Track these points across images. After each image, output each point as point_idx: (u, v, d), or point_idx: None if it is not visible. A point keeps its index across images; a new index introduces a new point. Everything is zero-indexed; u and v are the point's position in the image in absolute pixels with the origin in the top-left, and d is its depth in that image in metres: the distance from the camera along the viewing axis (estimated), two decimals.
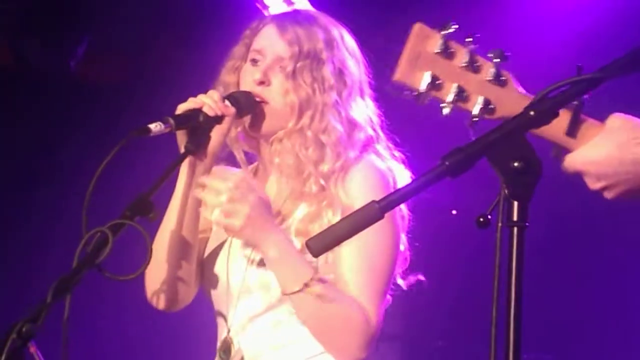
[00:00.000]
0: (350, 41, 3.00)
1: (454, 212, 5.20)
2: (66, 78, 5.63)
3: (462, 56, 2.04)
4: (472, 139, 1.96)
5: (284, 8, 5.32)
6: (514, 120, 1.96)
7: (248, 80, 2.94)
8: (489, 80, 2.05)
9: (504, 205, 1.94)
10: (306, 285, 2.76)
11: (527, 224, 1.93)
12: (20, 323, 2.37)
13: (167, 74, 5.53)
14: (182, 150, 2.86)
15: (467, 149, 1.94)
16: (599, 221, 5.41)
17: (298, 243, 2.84)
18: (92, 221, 2.61)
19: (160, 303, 2.96)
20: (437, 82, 2.03)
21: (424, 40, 2.03)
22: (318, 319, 2.80)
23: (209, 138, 2.87)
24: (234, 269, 2.92)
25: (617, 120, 2.06)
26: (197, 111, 2.84)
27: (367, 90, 3.00)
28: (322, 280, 2.79)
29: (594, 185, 2.07)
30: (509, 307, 1.91)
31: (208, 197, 2.77)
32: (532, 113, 1.95)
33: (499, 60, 2.05)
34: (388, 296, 2.96)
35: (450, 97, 2.04)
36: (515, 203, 1.94)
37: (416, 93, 2.05)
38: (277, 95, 2.92)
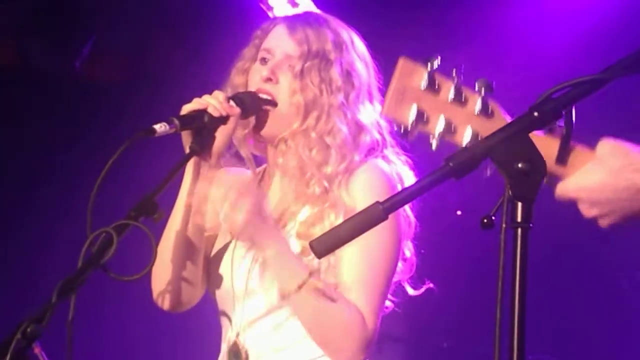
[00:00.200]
0: (360, 45, 2.99)
1: (458, 212, 5.20)
2: (71, 78, 5.63)
3: (448, 89, 2.04)
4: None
5: (288, 9, 5.33)
6: (518, 122, 1.96)
7: (256, 78, 2.94)
8: (477, 113, 2.05)
9: (508, 206, 1.94)
10: (302, 285, 2.75)
11: (531, 225, 1.93)
12: (25, 323, 2.37)
13: (171, 74, 5.54)
14: (187, 150, 2.86)
15: (471, 150, 1.94)
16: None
17: (299, 246, 2.84)
18: (97, 221, 2.61)
19: (166, 303, 2.97)
20: (424, 116, 2.04)
21: (409, 75, 2.04)
22: (314, 320, 2.80)
23: (213, 138, 2.87)
24: (238, 270, 2.92)
25: (607, 146, 2.05)
26: (202, 112, 2.84)
27: (377, 95, 2.99)
28: (318, 282, 2.79)
29: (588, 212, 2.06)
30: (513, 308, 1.91)
31: (206, 206, 2.78)
32: (536, 114, 1.95)
33: (485, 90, 2.05)
34: (389, 301, 2.96)
35: (438, 131, 2.04)
36: (520, 204, 1.94)
37: (404, 128, 2.05)
38: (284, 94, 2.91)
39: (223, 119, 2.86)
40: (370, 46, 3.05)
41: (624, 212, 2.05)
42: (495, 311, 1.90)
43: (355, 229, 1.98)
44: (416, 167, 2.98)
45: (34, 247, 5.69)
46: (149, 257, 2.62)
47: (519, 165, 1.93)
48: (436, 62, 2.03)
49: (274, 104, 2.92)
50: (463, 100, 2.04)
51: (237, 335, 2.90)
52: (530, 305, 1.92)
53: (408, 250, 2.96)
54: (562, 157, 2.05)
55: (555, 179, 2.07)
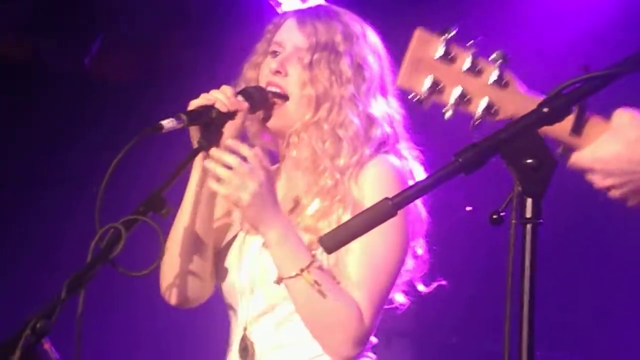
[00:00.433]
0: (373, 38, 2.98)
1: (468, 208, 5.20)
2: (80, 75, 5.63)
3: (463, 60, 2.05)
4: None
5: (297, 4, 5.32)
6: (528, 117, 1.95)
7: (265, 71, 2.94)
8: (491, 83, 2.05)
9: (518, 202, 1.93)
10: (302, 271, 2.74)
11: (540, 220, 1.93)
12: (34, 319, 2.38)
13: (180, 71, 5.54)
14: (195, 146, 2.86)
15: (481, 146, 1.93)
16: (614, 217, 5.39)
17: (307, 239, 2.83)
18: (105, 217, 2.61)
19: (174, 298, 2.96)
20: (439, 86, 2.04)
21: (425, 45, 2.04)
22: (310, 308, 2.77)
23: (221, 134, 2.87)
24: (245, 265, 2.92)
25: (624, 116, 2.05)
26: (210, 107, 2.84)
27: (391, 89, 2.98)
28: (320, 269, 2.77)
29: (601, 183, 2.05)
30: (523, 304, 1.91)
31: (219, 169, 2.76)
32: (545, 110, 1.95)
33: (500, 62, 2.05)
34: (405, 298, 2.95)
35: (452, 101, 2.04)
36: (529, 200, 1.93)
37: (418, 97, 2.05)
38: (293, 86, 2.91)
39: (231, 114, 2.85)
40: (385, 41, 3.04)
41: (636, 185, 2.04)
42: (504, 307, 1.89)
43: (364, 224, 1.97)
44: (429, 162, 2.96)
45: (43, 243, 5.70)
46: (158, 252, 2.62)
47: (528, 161, 1.93)
48: (452, 33, 2.03)
49: (284, 97, 2.91)
50: (478, 70, 2.04)
51: (245, 329, 2.90)
52: (539, 301, 1.92)
53: (420, 247, 2.95)
54: (578, 128, 2.04)
55: (570, 150, 2.07)
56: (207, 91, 2.87)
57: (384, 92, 2.95)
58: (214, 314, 3.15)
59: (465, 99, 2.04)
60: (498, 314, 1.92)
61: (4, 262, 5.71)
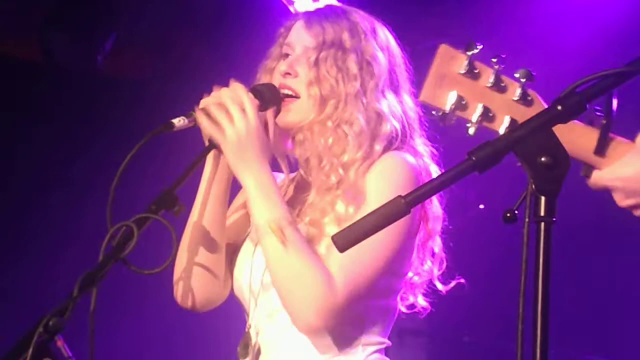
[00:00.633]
0: (383, 35, 2.97)
1: (481, 206, 5.19)
2: (93, 73, 5.65)
3: (487, 76, 2.05)
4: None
5: (309, 3, 5.33)
6: (542, 115, 1.95)
7: (276, 75, 2.94)
8: (515, 100, 2.05)
9: (531, 200, 1.93)
10: (274, 224, 2.70)
11: (554, 219, 1.92)
12: (47, 317, 2.38)
13: (193, 69, 5.55)
14: (207, 143, 2.85)
15: (494, 144, 1.93)
16: (629, 215, 5.37)
17: (310, 232, 2.80)
18: (118, 215, 2.61)
19: (187, 302, 2.94)
20: (463, 102, 2.04)
21: (450, 61, 2.04)
22: (279, 265, 2.72)
23: None
24: (257, 265, 2.91)
25: None
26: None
27: (405, 86, 2.96)
28: (295, 229, 2.73)
29: (622, 202, 2.07)
30: (536, 302, 1.90)
31: (213, 104, 2.76)
32: (559, 107, 1.94)
33: (525, 80, 2.05)
34: (425, 301, 2.93)
35: (475, 117, 2.04)
36: (543, 198, 1.92)
37: (441, 113, 2.05)
38: (303, 85, 2.91)
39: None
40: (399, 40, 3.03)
41: None
42: (518, 305, 1.89)
43: (376, 223, 1.97)
44: (446, 159, 2.94)
45: (56, 241, 5.71)
46: (170, 250, 2.62)
47: (542, 159, 1.92)
48: (477, 49, 2.03)
49: (296, 97, 2.91)
50: (502, 87, 2.04)
51: (249, 327, 2.89)
52: (553, 299, 1.91)
53: (437, 246, 2.93)
54: (601, 148, 2.05)
55: (592, 169, 2.07)
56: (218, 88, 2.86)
57: (395, 89, 2.93)
58: (223, 314, 3.15)
59: (489, 115, 2.04)
60: (511, 312, 1.92)
61: (17, 259, 5.72)
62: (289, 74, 2.91)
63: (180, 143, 2.79)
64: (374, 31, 2.95)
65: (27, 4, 5.55)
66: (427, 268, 2.92)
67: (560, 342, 5.00)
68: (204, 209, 2.91)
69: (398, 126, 2.88)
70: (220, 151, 2.83)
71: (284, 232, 2.71)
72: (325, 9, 3.01)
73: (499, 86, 2.04)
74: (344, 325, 2.79)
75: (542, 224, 1.92)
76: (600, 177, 2.05)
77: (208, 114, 2.76)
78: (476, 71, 2.05)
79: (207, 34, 5.73)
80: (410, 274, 2.91)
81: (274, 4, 5.41)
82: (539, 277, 1.90)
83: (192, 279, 2.93)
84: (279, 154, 3.00)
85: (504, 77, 2.06)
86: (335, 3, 4.79)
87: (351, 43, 2.90)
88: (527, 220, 1.92)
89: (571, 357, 5.39)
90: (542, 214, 1.92)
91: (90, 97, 5.77)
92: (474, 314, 5.47)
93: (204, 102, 2.82)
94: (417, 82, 2.97)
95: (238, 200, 3.05)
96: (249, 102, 2.79)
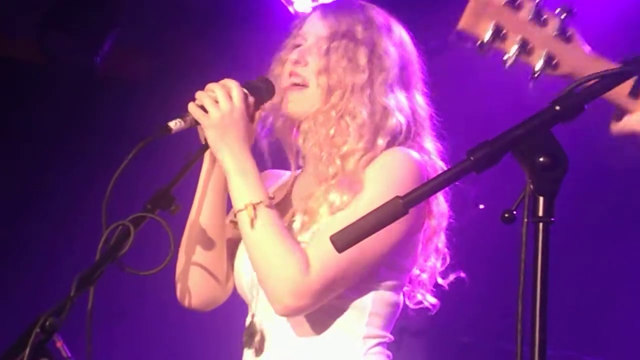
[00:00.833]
0: (398, 32, 2.97)
1: (481, 206, 5.18)
2: (92, 73, 5.64)
3: (528, 9, 2.02)
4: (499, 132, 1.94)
5: (308, 2, 5.32)
6: (540, 116, 1.95)
7: (287, 65, 2.94)
8: (555, 35, 2.03)
9: (530, 200, 1.92)
10: (249, 205, 2.72)
11: (552, 219, 1.92)
12: (44, 317, 2.38)
13: (192, 70, 5.53)
14: (203, 142, 2.86)
15: (493, 144, 1.92)
16: (626, 217, 5.38)
17: (299, 221, 2.82)
18: (114, 216, 2.61)
19: (190, 301, 2.95)
20: (502, 33, 2.01)
21: None
22: (252, 247, 2.75)
23: None
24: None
25: None
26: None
27: (418, 85, 2.96)
28: (271, 211, 2.74)
29: None
30: (535, 303, 1.90)
31: (201, 93, 2.80)
32: (557, 108, 1.94)
33: (565, 15, 2.03)
34: (434, 297, 2.93)
35: (513, 50, 2.02)
36: (541, 198, 1.92)
37: (479, 43, 2.02)
38: (312, 74, 2.91)
39: None
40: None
41: None
42: (516, 306, 1.89)
43: (374, 223, 1.97)
44: (455, 158, 2.93)
45: (54, 241, 5.71)
46: (167, 251, 2.62)
47: (541, 159, 1.92)
48: None
49: (303, 86, 2.91)
50: (543, 21, 2.02)
51: (253, 316, 2.89)
52: (551, 300, 1.91)
53: (441, 242, 2.93)
54: (636, 91, 2.03)
55: (622, 113, 2.05)
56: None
57: (406, 86, 2.93)
58: (224, 313, 3.14)
59: (527, 49, 2.02)
60: (510, 312, 1.92)
61: (15, 259, 5.72)
62: (298, 62, 2.92)
63: (177, 142, 2.79)
64: (388, 27, 2.96)
65: (25, 5, 5.54)
66: (430, 264, 2.93)
67: (559, 343, 5.00)
68: (203, 208, 2.91)
69: (403, 121, 2.87)
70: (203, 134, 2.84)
71: (258, 214, 2.73)
72: (343, 2, 3.02)
73: (539, 20, 2.02)
74: (346, 315, 2.80)
75: (541, 224, 1.92)
76: (630, 121, 2.03)
77: (199, 105, 2.80)
78: (517, 2, 2.01)
79: (206, 35, 5.72)
80: (416, 271, 2.91)
81: (273, 5, 5.41)
82: (537, 278, 1.90)
83: (193, 278, 2.94)
84: (287, 146, 3.02)
85: (545, 11, 2.03)
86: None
87: (363, 35, 2.91)
88: (525, 220, 1.92)
89: (570, 357, 5.38)
90: (541, 214, 1.92)
91: (89, 97, 5.77)
92: (473, 314, 5.47)
93: (198, 94, 2.83)
94: (431, 83, 2.99)
95: None
96: (237, 89, 2.81)
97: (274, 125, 2.99)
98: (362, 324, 2.82)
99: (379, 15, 2.97)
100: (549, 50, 2.02)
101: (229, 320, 3.16)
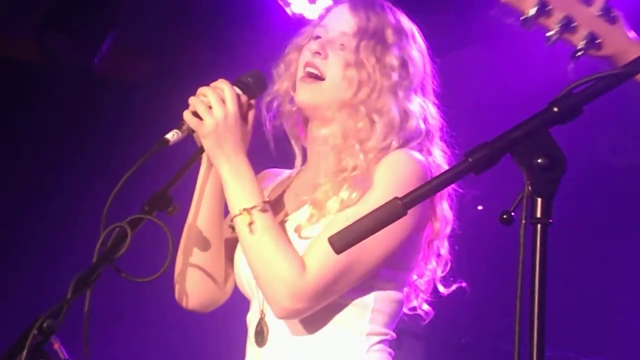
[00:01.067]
0: (420, 40, 3.00)
1: (479, 207, 5.18)
2: (91, 75, 5.64)
3: None
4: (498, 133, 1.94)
5: (306, 4, 5.33)
6: (538, 117, 1.95)
7: (306, 53, 2.94)
8: (599, 15, 2.02)
9: (528, 202, 1.92)
10: (245, 210, 2.74)
11: (551, 220, 1.92)
12: (41, 319, 2.38)
13: (191, 72, 5.54)
14: (199, 145, 2.86)
15: (491, 146, 1.93)
16: (626, 216, 5.38)
17: (308, 213, 2.82)
18: (111, 216, 2.61)
19: (189, 302, 2.96)
20: (547, 8, 2.01)
21: None
22: (251, 252, 2.76)
23: None
24: None
25: None
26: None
27: (430, 94, 2.98)
28: (266, 216, 2.76)
29: None
30: (533, 304, 1.90)
31: (194, 99, 2.80)
32: (555, 109, 1.94)
33: None
34: (427, 304, 2.93)
35: (557, 26, 2.01)
36: (539, 200, 1.92)
37: (523, 18, 2.01)
38: (331, 69, 2.90)
39: None
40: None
41: None
42: (515, 307, 1.89)
43: (373, 224, 1.97)
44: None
45: (53, 242, 5.71)
46: (166, 254, 2.62)
47: (539, 160, 1.92)
48: None
49: (319, 78, 2.91)
50: (588, 0, 2.01)
51: (262, 312, 2.89)
52: (550, 301, 1.91)
53: (444, 248, 2.93)
54: None
55: None
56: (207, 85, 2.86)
57: (424, 94, 2.96)
58: (224, 314, 3.14)
59: (571, 27, 2.01)
60: (508, 313, 1.92)
61: (15, 260, 5.72)
62: (318, 53, 2.92)
63: (174, 145, 2.79)
64: (413, 34, 2.99)
65: (25, 6, 5.54)
66: (431, 267, 2.93)
67: (557, 344, 5.00)
68: (201, 210, 2.92)
69: (423, 127, 2.89)
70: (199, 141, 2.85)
71: (254, 219, 2.74)
72: (375, 0, 3.02)
73: None
74: (349, 313, 2.81)
75: (539, 225, 1.92)
76: None
77: (193, 111, 2.80)
78: None
79: (205, 36, 5.73)
80: (414, 276, 2.92)
81: (271, 7, 5.41)
82: (535, 279, 1.90)
83: (192, 280, 2.95)
84: (291, 134, 3.03)
85: None
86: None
87: (393, 39, 2.92)
88: (523, 222, 1.92)
89: (568, 358, 5.38)
90: (539, 215, 1.92)
91: (89, 98, 5.77)
92: (472, 315, 5.47)
93: (191, 100, 2.84)
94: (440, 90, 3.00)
95: None
96: (229, 92, 2.81)
97: (280, 109, 2.99)
98: (365, 321, 2.82)
99: (405, 20, 3.00)
100: (593, 29, 2.01)
101: (229, 321, 3.16)
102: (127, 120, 5.66)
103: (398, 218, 1.95)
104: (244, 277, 2.93)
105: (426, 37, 3.03)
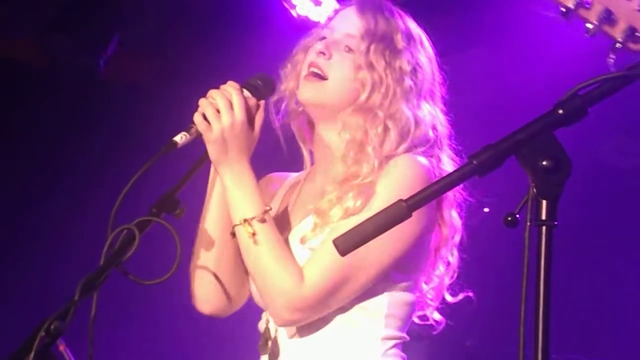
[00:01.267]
0: (428, 47, 3.00)
1: (486, 209, 5.17)
2: (95, 77, 5.65)
3: None
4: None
5: (311, 7, 5.33)
6: (543, 119, 1.95)
7: (310, 54, 2.95)
8: (639, 10, 2.02)
9: (533, 204, 1.92)
10: (244, 221, 2.75)
11: (556, 222, 1.92)
12: (49, 320, 2.38)
13: (195, 74, 5.54)
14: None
15: (496, 148, 1.93)
16: (630, 220, 5.37)
17: (312, 222, 2.82)
18: (119, 218, 2.61)
19: (207, 307, 2.97)
20: (587, 1, 2.01)
21: None
22: (252, 262, 2.78)
23: None
24: None
25: None
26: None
27: (439, 101, 2.98)
28: (267, 226, 2.76)
29: None
30: (538, 306, 1.90)
31: (204, 102, 2.80)
32: (560, 111, 1.94)
33: None
34: (436, 312, 2.93)
35: (598, 18, 2.01)
36: (544, 202, 1.92)
37: (564, 10, 2.02)
38: (334, 70, 2.90)
39: None
40: None
41: None
42: (519, 309, 1.89)
43: (378, 226, 1.97)
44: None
45: (57, 244, 5.71)
46: (185, 257, 2.61)
47: (544, 162, 1.92)
48: None
49: (322, 77, 2.91)
50: None
51: (268, 322, 2.89)
52: (554, 303, 1.91)
53: (452, 256, 2.93)
54: None
55: None
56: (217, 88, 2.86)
57: (433, 101, 2.96)
58: (235, 318, 3.13)
59: (611, 19, 2.01)
60: (513, 316, 1.92)
61: (14, 260, 5.72)
62: (323, 53, 2.92)
63: (183, 146, 2.79)
64: (421, 41, 2.98)
65: (29, 7, 5.55)
66: (438, 274, 2.92)
67: (562, 346, 5.00)
68: (213, 213, 2.92)
69: (431, 134, 2.89)
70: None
71: (254, 230, 2.75)
72: (382, 4, 3.02)
73: None
74: (363, 318, 2.81)
75: (544, 227, 1.92)
76: None
77: (202, 113, 2.80)
78: None
79: (209, 39, 5.73)
80: (424, 285, 2.91)
81: (276, 9, 5.41)
82: (540, 281, 1.90)
83: (208, 285, 2.95)
84: (300, 138, 3.03)
85: None
86: (336, 5, 4.78)
87: (403, 45, 2.92)
88: (528, 224, 1.92)
89: None
90: (544, 217, 1.92)
91: (92, 99, 5.77)
92: (477, 317, 5.46)
93: (201, 101, 2.84)
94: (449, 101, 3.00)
95: None
96: (238, 98, 2.81)
97: (287, 109, 2.99)
98: (380, 326, 2.82)
99: (414, 26, 3.00)
100: (632, 23, 2.01)
101: (235, 323, 3.16)
102: (130, 122, 5.66)
103: (403, 220, 1.95)
104: (254, 285, 2.93)
105: (429, 39, 3.03)
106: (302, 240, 2.83)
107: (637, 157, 5.60)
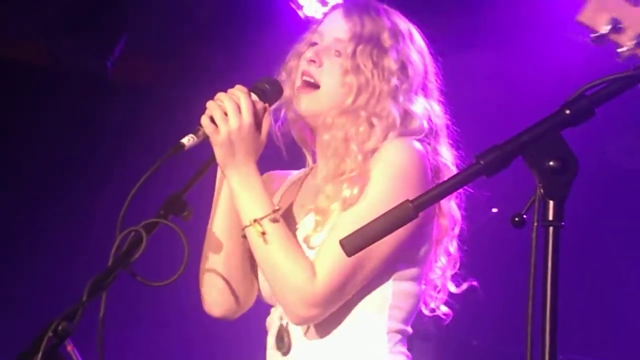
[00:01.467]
0: (419, 40, 3.00)
1: (494, 210, 5.17)
2: (101, 78, 5.65)
3: None
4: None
5: (318, 7, 5.33)
6: (550, 119, 1.95)
7: (302, 62, 2.95)
8: None
9: (540, 204, 1.92)
10: (254, 221, 2.76)
11: (562, 223, 1.92)
12: (57, 321, 2.38)
13: (202, 76, 5.55)
14: None
15: (502, 148, 1.93)
16: (637, 219, 5.37)
17: (313, 221, 2.84)
18: (125, 221, 2.61)
19: (217, 311, 2.98)
20: (620, 25, 2.00)
21: None
22: (264, 262, 2.79)
23: None
24: None
25: None
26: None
27: (434, 94, 2.98)
28: (277, 225, 2.77)
29: None
30: (545, 306, 1.90)
31: (212, 104, 2.80)
32: (567, 112, 1.94)
33: None
34: (445, 306, 2.93)
35: (631, 43, 2.01)
36: (551, 202, 1.92)
37: (595, 35, 2.01)
38: (326, 76, 2.91)
39: None
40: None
41: None
42: (526, 309, 1.89)
43: (384, 226, 1.97)
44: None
45: (66, 244, 5.72)
46: (194, 259, 2.61)
47: (550, 163, 1.92)
48: None
49: (315, 86, 2.92)
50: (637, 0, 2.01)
51: (281, 318, 2.90)
52: (561, 304, 1.91)
53: (452, 246, 2.94)
54: None
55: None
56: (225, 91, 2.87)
57: (426, 94, 2.96)
58: (242, 317, 3.14)
59: (618, 28, 2.01)
60: (519, 316, 1.92)
61: (27, 263, 5.73)
62: (313, 61, 2.93)
63: (190, 148, 2.79)
64: (411, 35, 2.98)
65: (36, 9, 5.55)
66: (440, 265, 2.93)
67: (569, 347, 4.99)
68: (221, 215, 2.93)
69: (426, 125, 2.90)
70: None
71: (265, 229, 2.76)
72: (367, 4, 3.02)
73: None
74: (368, 308, 2.82)
75: (551, 228, 1.92)
76: None
77: (210, 115, 2.80)
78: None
79: (216, 41, 5.73)
80: (428, 277, 2.92)
81: (283, 10, 5.41)
82: (547, 282, 1.90)
83: (219, 288, 2.95)
84: (300, 139, 3.04)
85: None
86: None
87: (390, 43, 2.92)
88: (535, 224, 1.92)
89: None
90: (551, 218, 1.92)
91: (98, 101, 5.78)
92: (483, 317, 5.46)
93: (208, 104, 2.84)
94: (447, 92, 3.00)
95: None
96: (246, 102, 2.81)
97: (287, 117, 3.00)
98: (384, 317, 2.83)
99: (402, 21, 2.99)
100: None
101: (245, 324, 3.16)
102: (138, 123, 5.66)
103: (409, 221, 1.96)
104: (266, 284, 2.93)
105: (432, 39, 3.02)
106: (305, 240, 2.85)
107: None
